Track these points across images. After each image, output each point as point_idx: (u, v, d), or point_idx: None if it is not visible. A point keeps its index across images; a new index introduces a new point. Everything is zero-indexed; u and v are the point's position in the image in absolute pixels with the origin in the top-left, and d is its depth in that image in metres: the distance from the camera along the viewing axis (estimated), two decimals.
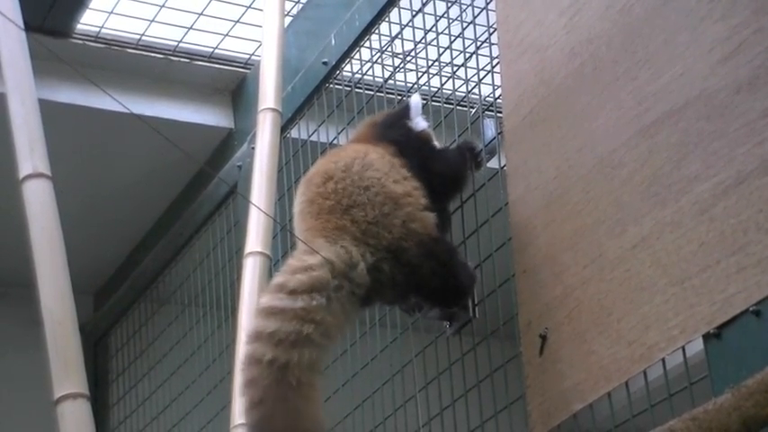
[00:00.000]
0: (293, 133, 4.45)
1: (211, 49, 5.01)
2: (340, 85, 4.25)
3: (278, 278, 3.03)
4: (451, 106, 3.73)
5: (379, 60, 4.10)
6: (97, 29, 4.86)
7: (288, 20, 4.58)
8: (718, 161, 2.67)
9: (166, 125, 4.88)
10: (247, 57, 5.04)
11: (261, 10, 4.29)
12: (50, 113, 4.01)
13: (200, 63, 5.04)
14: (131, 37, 4.93)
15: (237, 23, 4.87)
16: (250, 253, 3.68)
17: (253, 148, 4.04)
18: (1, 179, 3.93)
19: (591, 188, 3.04)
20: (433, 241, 3.15)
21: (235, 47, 5.02)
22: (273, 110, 3.93)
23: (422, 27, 3.92)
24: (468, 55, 3.73)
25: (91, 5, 4.74)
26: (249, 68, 5.04)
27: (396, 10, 4.00)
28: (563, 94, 3.20)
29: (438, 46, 3.87)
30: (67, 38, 4.81)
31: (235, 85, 5.12)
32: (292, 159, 4.38)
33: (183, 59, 5.02)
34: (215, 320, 4.79)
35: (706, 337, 2.65)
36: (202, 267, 4.97)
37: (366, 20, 4.10)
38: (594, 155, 3.05)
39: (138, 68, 4.97)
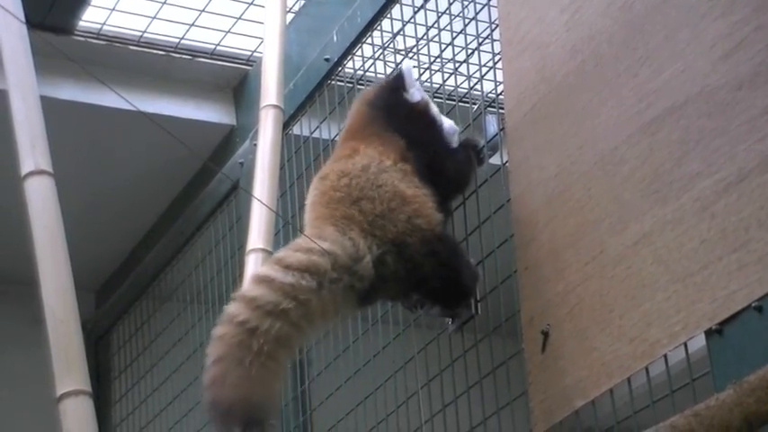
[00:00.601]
0: (295, 130, 4.45)
1: (213, 46, 5.01)
2: (342, 81, 4.25)
3: (281, 252, 3.09)
4: (453, 103, 3.72)
5: (381, 57, 4.10)
6: (99, 26, 4.86)
7: (290, 16, 4.58)
8: (719, 158, 2.67)
9: (168, 122, 4.87)
10: (249, 53, 5.04)
11: (262, 7, 4.28)
12: (52, 110, 4.01)
13: (201, 60, 5.04)
14: (133, 34, 4.93)
15: (239, 20, 4.87)
16: (252, 250, 3.68)
17: (255, 144, 4.04)
18: (3, 176, 3.93)
19: (592, 185, 3.05)
20: (436, 238, 3.17)
21: (237, 44, 5.02)
22: (275, 106, 3.93)
23: (424, 23, 3.92)
24: (469, 51, 3.73)
25: (92, 2, 4.74)
26: (251, 65, 5.03)
27: (397, 6, 4.00)
28: (564, 91, 3.20)
29: (440, 42, 3.87)
30: (69, 35, 4.81)
31: (237, 82, 5.12)
32: (294, 156, 4.38)
33: (184, 56, 5.02)
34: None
35: (708, 333, 2.65)
36: (204, 265, 4.97)
37: (368, 16, 4.10)
38: (596, 152, 3.05)
39: (139, 65, 4.97)
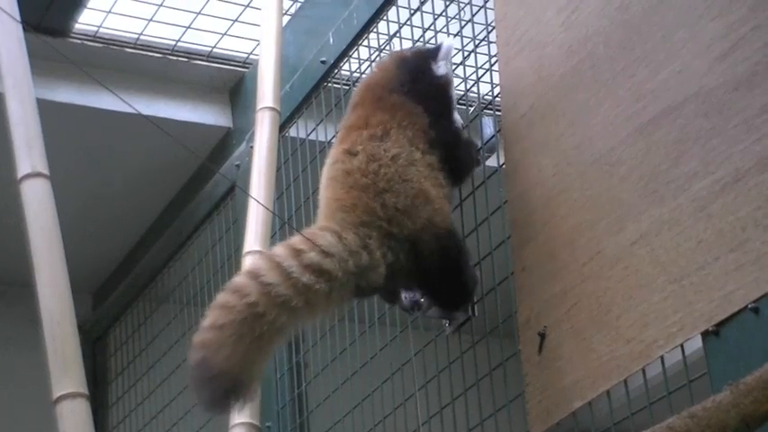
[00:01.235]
0: (292, 132, 4.45)
1: (210, 48, 5.01)
2: (338, 83, 4.25)
3: (300, 243, 3.03)
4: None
5: (378, 59, 4.09)
6: (95, 28, 4.86)
7: (286, 18, 4.58)
8: (716, 158, 2.67)
9: (165, 124, 4.87)
10: (246, 56, 5.03)
11: (259, 9, 4.29)
12: (48, 113, 4.01)
13: (198, 62, 5.04)
14: (129, 36, 4.93)
15: (236, 22, 4.87)
16: (249, 252, 3.68)
17: (251, 146, 4.04)
18: None
19: (589, 186, 3.05)
20: (448, 234, 3.19)
21: (233, 46, 5.02)
22: (272, 109, 3.93)
23: (420, 25, 3.92)
24: (466, 53, 3.73)
25: (89, 5, 4.74)
26: (247, 67, 5.03)
27: (394, 8, 4.00)
28: (561, 92, 3.20)
29: (436, 44, 3.86)
30: (66, 37, 4.81)
31: (233, 84, 5.12)
32: (291, 158, 4.38)
33: (181, 58, 5.01)
34: None
35: (705, 334, 2.65)
36: (201, 266, 4.97)
37: (364, 18, 4.10)
38: (593, 152, 3.05)
39: (136, 68, 4.97)
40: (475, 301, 3.40)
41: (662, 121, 2.84)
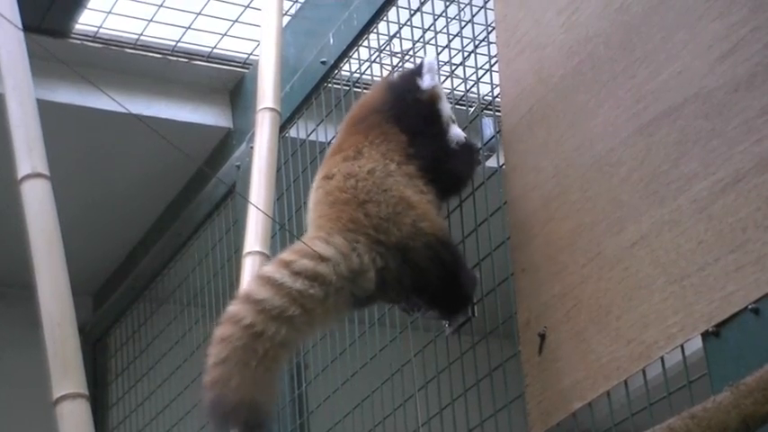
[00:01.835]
0: (292, 133, 4.45)
1: (210, 49, 5.00)
2: (338, 84, 4.25)
3: (288, 255, 3.08)
4: (450, 106, 3.72)
5: (378, 60, 4.10)
6: (95, 29, 4.85)
7: (286, 19, 4.58)
8: (716, 159, 2.67)
9: (165, 125, 4.87)
10: (246, 56, 5.03)
11: (259, 9, 4.29)
12: (49, 114, 4.00)
13: (198, 63, 5.03)
14: (129, 37, 4.92)
15: (236, 23, 4.86)
16: (249, 253, 3.68)
17: (251, 147, 4.04)
18: None
19: (589, 187, 3.04)
20: (439, 243, 3.19)
21: (233, 46, 5.02)
22: (272, 109, 3.93)
23: (420, 26, 3.92)
24: (466, 54, 3.73)
25: (89, 5, 4.73)
26: (248, 68, 5.03)
27: (394, 9, 4.00)
28: (561, 93, 3.20)
29: (436, 45, 3.87)
30: (65, 38, 4.80)
31: (233, 85, 5.12)
32: (291, 159, 4.38)
33: (181, 59, 5.01)
34: (214, 320, 4.77)
35: (705, 335, 2.65)
36: (201, 267, 4.97)
37: (364, 19, 4.10)
38: (593, 153, 3.05)
39: (136, 68, 4.96)
40: (475, 301, 3.40)
41: (662, 122, 2.84)
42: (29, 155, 3.72)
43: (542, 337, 3.13)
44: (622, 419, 2.92)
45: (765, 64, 2.60)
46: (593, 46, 3.10)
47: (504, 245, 3.38)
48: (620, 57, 3.00)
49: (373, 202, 3.17)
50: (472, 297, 3.36)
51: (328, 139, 4.15)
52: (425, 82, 3.40)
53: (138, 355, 5.45)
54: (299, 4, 4.74)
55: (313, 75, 4.35)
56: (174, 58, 5.00)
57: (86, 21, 4.81)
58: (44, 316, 3.56)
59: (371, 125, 3.34)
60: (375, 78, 4.09)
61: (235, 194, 4.68)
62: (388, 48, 4.05)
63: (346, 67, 4.23)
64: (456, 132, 3.44)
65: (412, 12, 3.94)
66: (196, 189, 5.16)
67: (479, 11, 3.67)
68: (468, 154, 3.45)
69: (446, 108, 3.44)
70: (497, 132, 3.49)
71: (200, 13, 4.83)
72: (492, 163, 3.52)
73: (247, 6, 4.78)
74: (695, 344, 2.70)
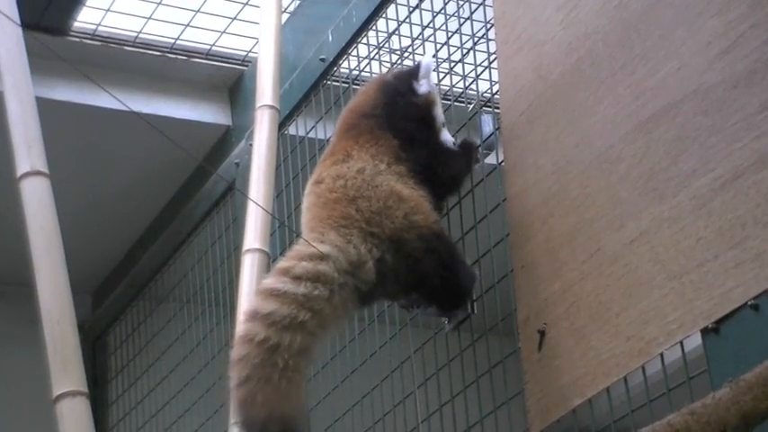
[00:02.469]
0: (291, 130, 4.45)
1: (209, 47, 5.00)
2: (337, 81, 4.25)
3: (283, 262, 3.07)
4: (449, 102, 3.72)
5: (377, 57, 4.10)
6: (94, 26, 4.85)
7: (285, 17, 4.58)
8: (715, 156, 2.67)
9: (164, 122, 4.87)
10: (245, 54, 5.03)
11: (258, 7, 4.28)
12: (48, 111, 4.00)
13: (197, 60, 5.03)
14: (128, 34, 4.92)
15: (234, 20, 4.86)
16: (248, 250, 3.68)
17: (250, 144, 4.04)
18: None
19: (589, 183, 3.05)
20: (434, 235, 3.18)
21: (232, 44, 5.02)
22: (271, 107, 3.93)
23: (419, 23, 3.92)
24: (465, 51, 3.73)
25: (87, 3, 4.73)
26: (246, 65, 5.03)
27: (393, 6, 4.00)
28: (560, 90, 3.20)
29: (435, 42, 3.86)
30: (64, 35, 4.80)
31: (232, 82, 5.12)
32: (290, 156, 4.38)
33: (180, 57, 5.01)
34: (213, 318, 4.79)
35: (704, 331, 2.65)
36: (201, 265, 4.97)
37: (363, 16, 4.10)
38: (592, 150, 3.05)
39: (135, 66, 4.96)
40: (474, 298, 3.40)
41: (661, 118, 2.84)
42: (28, 153, 3.72)
43: (542, 333, 3.13)
44: (622, 416, 2.92)
45: (764, 60, 2.60)
46: (591, 43, 3.10)
47: (503, 242, 3.38)
48: (619, 54, 3.00)
49: (364, 197, 3.17)
50: (470, 292, 3.36)
51: (327, 137, 4.15)
52: (422, 87, 3.40)
53: (137, 352, 5.45)
54: (297, 2, 4.74)
55: (312, 72, 4.35)
56: (173, 56, 5.00)
57: (85, 18, 4.81)
58: (44, 314, 3.56)
59: (362, 130, 3.34)
60: (374, 75, 4.09)
61: (234, 192, 4.68)
62: (386, 45, 4.05)
63: (345, 64, 4.23)
64: (446, 138, 3.44)
65: (411, 9, 3.94)
66: (195, 187, 5.16)
67: (478, 8, 3.67)
68: (463, 156, 3.45)
69: (440, 112, 3.44)
70: (496, 129, 3.49)
71: (198, 11, 4.83)
72: (491, 160, 3.52)
73: (246, 4, 4.78)
74: (695, 340, 2.70)
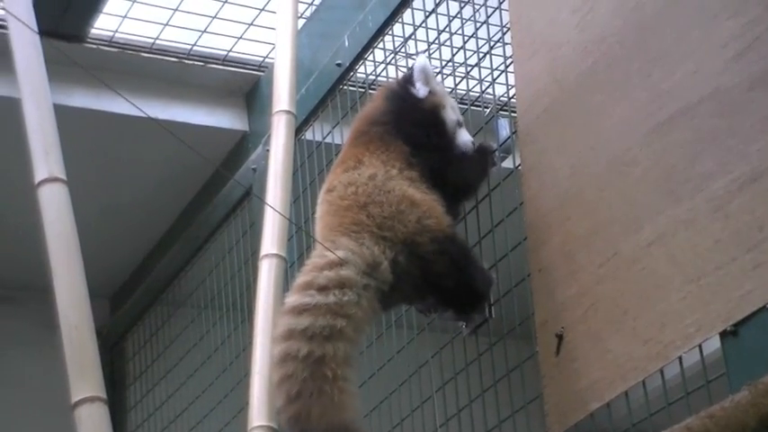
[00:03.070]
0: (308, 135, 4.45)
1: (225, 52, 5.02)
2: (354, 86, 4.25)
3: (303, 277, 3.07)
4: (465, 106, 3.72)
5: (393, 61, 4.10)
6: (111, 33, 4.87)
7: (301, 22, 4.58)
8: (732, 158, 2.67)
9: (181, 128, 4.89)
10: (261, 59, 5.04)
11: (274, 12, 4.29)
12: (65, 118, 4.01)
13: (214, 66, 5.05)
14: (145, 41, 4.94)
15: (251, 26, 4.88)
16: (266, 255, 3.68)
17: (267, 150, 4.04)
18: (17, 184, 3.93)
19: (605, 186, 3.04)
20: (447, 239, 3.19)
21: (248, 49, 5.03)
22: (287, 112, 3.93)
23: (435, 28, 3.92)
24: (481, 55, 3.73)
25: (105, 10, 4.75)
26: (263, 71, 5.04)
27: (409, 11, 4.00)
28: (576, 93, 3.19)
29: (451, 46, 3.87)
30: (81, 42, 4.82)
31: (249, 88, 5.13)
32: (307, 161, 4.39)
33: (196, 63, 5.03)
34: (231, 323, 4.80)
35: (723, 334, 2.64)
36: (218, 270, 4.97)
37: (379, 21, 4.10)
38: (608, 153, 3.04)
39: (151, 72, 4.98)
40: (492, 302, 3.40)
41: (678, 121, 2.84)
42: (46, 159, 3.73)
43: (560, 337, 3.12)
44: (640, 420, 2.91)
45: None
46: (607, 46, 3.10)
47: (520, 245, 3.38)
48: (635, 56, 3.00)
49: (375, 203, 3.18)
50: (487, 295, 3.36)
51: (344, 142, 4.15)
52: (420, 91, 3.39)
53: (155, 358, 5.46)
54: (314, 7, 4.74)
55: (328, 77, 4.36)
56: (190, 62, 5.02)
57: (102, 25, 4.83)
58: (62, 319, 3.57)
59: (372, 137, 3.35)
60: (390, 80, 4.10)
61: (251, 197, 4.69)
62: (403, 49, 4.05)
63: (361, 69, 4.23)
64: (464, 139, 3.43)
65: (427, 13, 3.94)
66: (212, 192, 5.17)
67: (494, 12, 3.67)
68: (478, 160, 3.44)
69: (450, 114, 3.43)
70: (513, 133, 3.49)
71: (215, 17, 4.84)
72: (508, 164, 3.52)
73: (262, 9, 4.79)
74: (713, 343, 2.69)
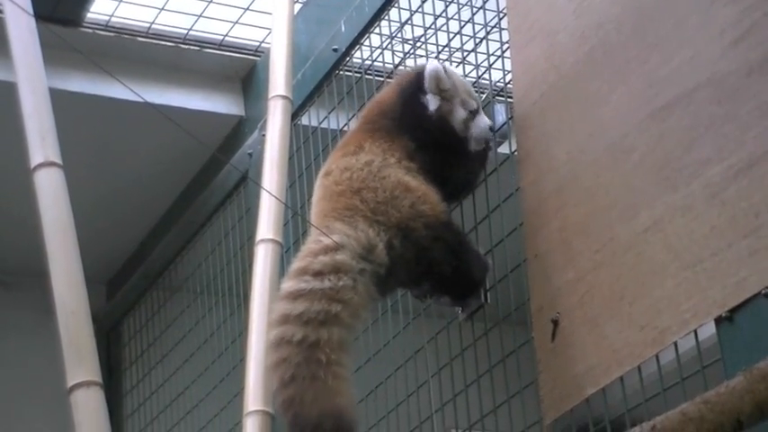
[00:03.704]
0: (304, 120, 4.45)
1: (221, 37, 5.01)
2: (350, 71, 4.25)
3: (298, 263, 3.08)
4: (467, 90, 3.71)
5: (389, 46, 4.09)
6: (107, 17, 4.86)
7: (298, 7, 4.58)
8: (729, 144, 2.67)
9: (177, 113, 4.88)
10: (257, 44, 5.03)
11: None
12: (61, 102, 4.02)
13: (210, 51, 5.03)
14: (141, 25, 4.93)
15: (247, 11, 4.86)
16: (262, 240, 3.69)
17: (263, 135, 4.04)
18: (13, 168, 3.94)
19: (602, 172, 3.04)
20: (441, 225, 3.19)
21: (245, 34, 5.02)
22: (284, 97, 3.93)
23: (432, 12, 3.91)
24: (478, 40, 3.72)
25: None
26: (259, 56, 5.03)
27: None
28: (573, 79, 3.19)
29: (448, 31, 3.86)
30: (77, 26, 4.81)
31: (245, 73, 5.12)
32: (303, 146, 4.38)
33: (193, 47, 5.01)
34: (227, 308, 4.80)
35: (718, 320, 2.65)
36: (214, 255, 4.97)
37: (376, 6, 4.10)
38: (605, 139, 3.04)
39: (148, 57, 4.97)
40: (487, 288, 3.40)
41: (675, 107, 2.84)
42: (42, 144, 3.74)
43: (555, 323, 3.13)
44: (636, 405, 2.92)
45: None
46: (605, 32, 3.10)
47: (516, 231, 3.38)
48: (633, 42, 3.00)
49: (369, 188, 3.18)
50: (483, 281, 3.36)
51: (340, 127, 4.15)
52: (431, 104, 3.36)
53: (151, 343, 5.46)
54: None
55: (325, 62, 4.35)
56: (186, 47, 5.00)
57: (98, 9, 4.82)
58: (58, 304, 3.57)
59: (379, 127, 3.35)
60: (387, 66, 4.09)
61: (247, 182, 4.69)
62: (399, 35, 4.05)
63: (358, 54, 4.23)
64: (481, 125, 3.39)
65: None
66: (208, 177, 5.17)
67: None
68: (477, 162, 3.43)
69: (459, 114, 3.40)
70: (509, 119, 3.49)
71: (211, 1, 4.83)
72: (504, 149, 3.52)
73: None
74: (709, 329, 2.70)
